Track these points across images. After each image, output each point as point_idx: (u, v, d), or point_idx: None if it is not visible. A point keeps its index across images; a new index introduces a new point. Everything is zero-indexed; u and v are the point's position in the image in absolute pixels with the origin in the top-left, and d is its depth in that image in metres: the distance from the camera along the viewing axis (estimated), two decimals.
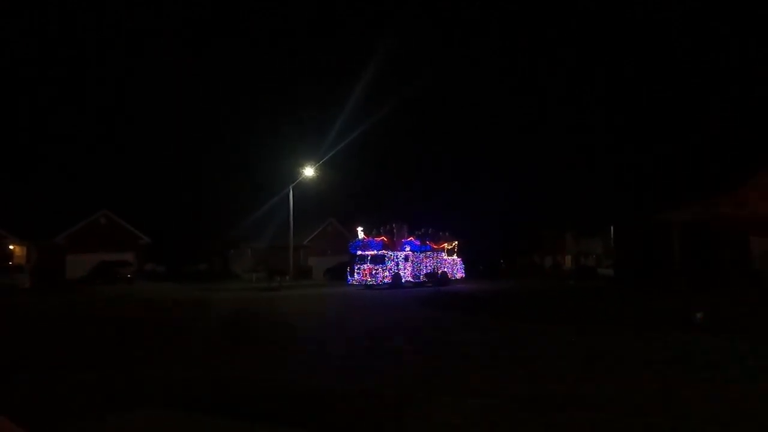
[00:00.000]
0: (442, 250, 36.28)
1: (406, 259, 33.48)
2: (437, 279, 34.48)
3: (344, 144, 40.59)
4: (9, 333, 14.05)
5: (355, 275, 32.12)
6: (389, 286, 31.69)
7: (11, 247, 41.32)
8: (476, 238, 57.21)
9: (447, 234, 37.19)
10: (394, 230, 33.67)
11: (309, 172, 39.66)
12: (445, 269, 35.79)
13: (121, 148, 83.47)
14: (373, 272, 31.50)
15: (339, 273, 39.18)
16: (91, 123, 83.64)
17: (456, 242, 37.60)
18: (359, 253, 32.80)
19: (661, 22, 72.56)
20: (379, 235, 33.06)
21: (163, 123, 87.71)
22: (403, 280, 32.81)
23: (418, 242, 34.65)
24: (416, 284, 33.49)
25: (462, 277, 37.42)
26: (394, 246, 33.13)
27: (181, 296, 26.50)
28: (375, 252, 32.30)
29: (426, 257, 34.81)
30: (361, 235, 33.48)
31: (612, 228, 39.24)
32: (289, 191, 40.67)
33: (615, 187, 49.76)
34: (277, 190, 41.75)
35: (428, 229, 36.37)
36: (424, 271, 34.52)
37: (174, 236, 49.87)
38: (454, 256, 37.24)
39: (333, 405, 6.52)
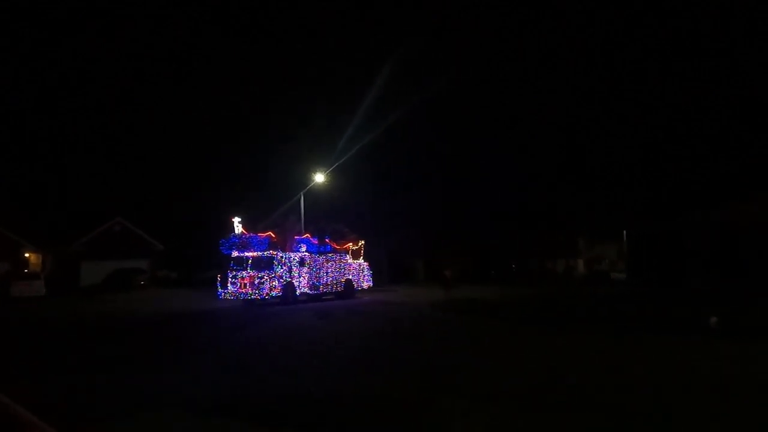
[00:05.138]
0: (346, 251, 29.17)
1: (301, 262, 25.60)
2: (340, 290, 27.71)
3: (354, 151, 40.55)
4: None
5: (229, 286, 23.69)
6: (280, 300, 23.86)
7: (27, 254, 41.79)
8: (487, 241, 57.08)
9: (349, 231, 31.01)
10: (286, 224, 26.64)
11: (320, 178, 39.68)
12: (350, 276, 28.63)
13: (133, 155, 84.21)
14: (257, 281, 23.08)
15: None
16: (104, 131, 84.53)
17: (362, 242, 30.99)
18: (235, 254, 24.54)
19: (679, 19, 72.21)
20: (263, 230, 25.28)
21: (174, 130, 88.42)
22: (297, 293, 25.08)
23: (315, 241, 27.35)
24: (313, 297, 26.36)
25: (369, 286, 30.42)
26: (284, 245, 25.30)
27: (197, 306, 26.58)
28: (259, 253, 24.09)
29: (327, 261, 27.36)
30: (238, 228, 24.66)
31: (625, 232, 39.04)
32: (300, 198, 40.82)
33: (628, 191, 49.52)
34: (290, 196, 41.81)
35: (328, 225, 30.15)
36: (325, 280, 26.90)
37: (186, 243, 50.21)
38: (360, 260, 30.28)
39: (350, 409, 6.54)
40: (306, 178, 38.47)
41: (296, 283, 25.03)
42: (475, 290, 31.19)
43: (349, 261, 29.06)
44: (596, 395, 7.15)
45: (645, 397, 7.07)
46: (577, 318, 16.74)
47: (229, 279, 23.84)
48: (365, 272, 30.25)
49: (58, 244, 44.26)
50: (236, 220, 24.83)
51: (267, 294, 23.29)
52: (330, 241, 28.57)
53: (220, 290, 24.13)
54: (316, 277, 26.33)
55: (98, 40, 77.15)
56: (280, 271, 24.14)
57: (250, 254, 24.06)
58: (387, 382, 8.20)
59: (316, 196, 39.47)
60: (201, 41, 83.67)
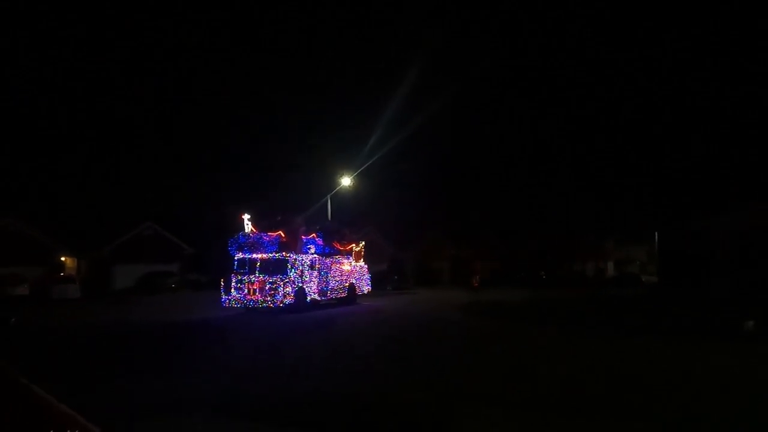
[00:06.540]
0: (350, 253, 27.21)
1: (311, 266, 23.17)
2: (345, 295, 25.63)
3: (381, 154, 40.51)
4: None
5: (234, 292, 21.17)
6: (292, 308, 21.02)
7: (63, 258, 42.99)
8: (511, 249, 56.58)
9: (348, 231, 28.64)
10: (294, 222, 23.71)
11: (346, 181, 39.74)
12: (353, 280, 26.59)
13: (164, 160, 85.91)
14: (267, 287, 20.65)
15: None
16: (134, 136, 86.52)
17: (363, 243, 29.14)
18: (239, 255, 21.76)
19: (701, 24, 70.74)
20: (273, 229, 22.17)
21: (203, 134, 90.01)
22: (308, 299, 22.47)
23: (321, 242, 24.79)
24: (319, 303, 23.70)
25: (369, 290, 28.66)
26: (295, 246, 22.52)
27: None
28: (269, 255, 21.43)
29: (333, 263, 25.16)
30: (248, 227, 22.07)
31: (656, 234, 38.27)
32: (327, 201, 41.00)
33: (659, 192, 48.65)
34: (316, 197, 41.97)
35: (332, 224, 27.93)
36: (332, 284, 24.59)
37: (216, 246, 50.89)
38: (361, 262, 28.22)
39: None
40: (332, 181, 38.62)
41: (307, 289, 22.45)
42: (504, 293, 30.94)
43: (352, 263, 27.22)
44: (619, 402, 7.07)
45: (689, 401, 6.97)
46: (605, 322, 16.51)
47: (233, 284, 21.24)
48: (366, 276, 28.47)
49: (92, 248, 45.33)
50: (246, 217, 22.24)
51: (281, 302, 20.71)
52: (334, 241, 26.33)
53: (223, 297, 21.55)
54: (324, 281, 24.01)
55: (129, 48, 79.14)
56: (292, 275, 21.37)
57: (259, 256, 21.41)
58: (409, 387, 8.25)
59: (341, 199, 39.52)
60: (230, 49, 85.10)
